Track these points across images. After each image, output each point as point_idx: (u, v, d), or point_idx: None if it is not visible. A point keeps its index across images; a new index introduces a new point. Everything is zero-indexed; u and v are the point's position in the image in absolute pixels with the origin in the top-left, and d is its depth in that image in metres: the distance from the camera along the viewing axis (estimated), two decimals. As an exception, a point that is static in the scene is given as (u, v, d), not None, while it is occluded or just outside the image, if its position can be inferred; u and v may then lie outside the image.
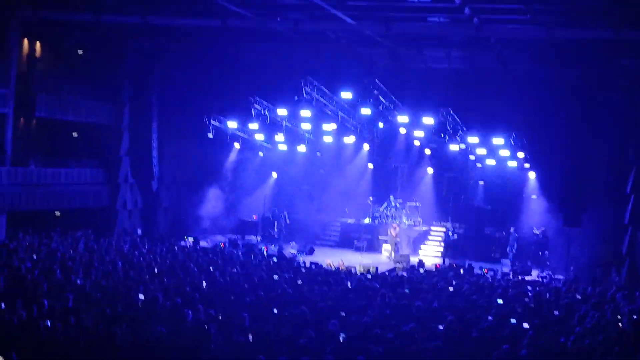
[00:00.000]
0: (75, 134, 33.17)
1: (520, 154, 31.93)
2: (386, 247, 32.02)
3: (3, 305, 14.91)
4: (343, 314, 15.65)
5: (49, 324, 13.44)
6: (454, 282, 21.80)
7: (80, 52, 32.29)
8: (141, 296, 16.40)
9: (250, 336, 13.39)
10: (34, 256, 21.99)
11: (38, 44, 31.07)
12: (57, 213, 31.41)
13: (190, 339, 13.42)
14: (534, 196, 33.53)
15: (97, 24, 27.95)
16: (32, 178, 29.38)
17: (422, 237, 33.80)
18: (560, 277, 27.21)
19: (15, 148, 29.08)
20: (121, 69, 32.52)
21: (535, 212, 32.93)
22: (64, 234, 27.83)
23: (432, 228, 34.39)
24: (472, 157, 34.35)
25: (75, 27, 29.53)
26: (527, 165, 32.94)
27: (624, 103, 27.40)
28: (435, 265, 28.66)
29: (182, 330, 13.85)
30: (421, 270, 26.59)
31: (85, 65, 31.95)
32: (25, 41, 30.22)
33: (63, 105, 30.79)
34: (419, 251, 32.27)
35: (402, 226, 32.98)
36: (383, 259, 30.91)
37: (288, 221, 33.84)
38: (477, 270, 27.03)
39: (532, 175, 33.49)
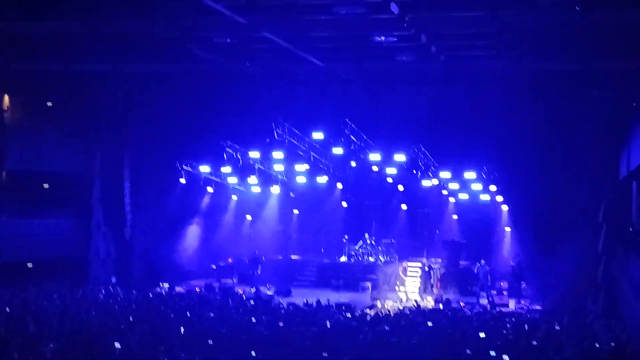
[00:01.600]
0: (46, 185, 32.90)
1: (493, 187, 32.21)
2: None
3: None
4: (325, 354, 15.54)
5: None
6: (432, 317, 21.76)
7: (49, 104, 32.13)
8: (117, 345, 16.18)
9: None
10: (7, 309, 21.64)
11: (6, 96, 30.98)
12: (30, 265, 31.00)
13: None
14: (507, 228, 33.78)
15: (65, 73, 27.92)
16: (4, 230, 29.09)
17: (400, 274, 33.68)
18: (538, 307, 27.26)
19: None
20: (91, 116, 32.31)
21: (510, 244, 33.17)
22: (36, 285, 27.43)
23: (408, 264, 34.36)
24: (445, 192, 34.60)
25: (43, 77, 29.44)
26: (499, 198, 33.20)
27: (595, 134, 27.73)
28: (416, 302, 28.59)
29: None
30: (401, 307, 26.57)
31: (54, 114, 31.80)
32: (-7, 93, 30.19)
33: (33, 155, 30.63)
34: (396, 287, 32.15)
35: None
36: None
37: (259, 268, 33.67)
38: (454, 305, 27.05)
39: (505, 207, 33.75)
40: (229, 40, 24.77)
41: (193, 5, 20.93)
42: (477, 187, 31.59)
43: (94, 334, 18.06)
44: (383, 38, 23.75)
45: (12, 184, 31.54)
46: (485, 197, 32.95)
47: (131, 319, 20.44)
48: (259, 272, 33.24)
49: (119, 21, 22.89)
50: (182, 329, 18.62)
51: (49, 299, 24.63)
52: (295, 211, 38.02)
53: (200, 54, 25.55)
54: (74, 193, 32.71)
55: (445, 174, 31.11)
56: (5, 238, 28.91)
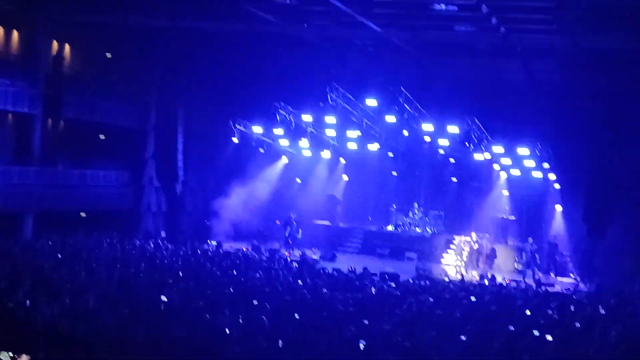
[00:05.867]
0: (102, 136, 33.42)
1: (546, 165, 31.72)
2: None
3: (28, 303, 15.04)
4: (366, 322, 15.59)
5: (71, 323, 13.54)
6: (476, 292, 21.67)
7: (108, 55, 32.51)
8: (163, 298, 16.45)
9: (280, 342, 13.35)
10: (59, 255, 22.14)
11: (67, 46, 31.39)
12: (83, 214, 31.60)
13: (209, 342, 13.44)
14: (558, 207, 33.31)
15: (125, 26, 28.17)
16: (59, 179, 29.68)
17: (446, 247, 33.53)
18: (584, 288, 26.94)
19: (43, 149, 29.40)
20: (148, 71, 32.60)
21: (560, 223, 32.72)
22: (88, 235, 27.98)
23: (456, 237, 34.16)
24: (496, 167, 34.17)
25: (103, 30, 29.72)
26: (552, 176, 32.71)
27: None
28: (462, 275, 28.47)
29: (202, 334, 13.87)
30: (446, 279, 26.47)
31: (112, 67, 32.19)
32: (54, 43, 30.57)
33: (90, 106, 31.07)
34: (442, 260, 32.03)
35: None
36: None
37: (300, 231, 33.74)
38: (499, 281, 26.88)
39: (557, 186, 33.25)
40: (288, 1, 24.68)
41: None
42: (529, 163, 31.10)
43: (141, 285, 18.42)
44: (444, 6, 23.45)
45: (68, 133, 32.06)
46: (537, 174, 32.46)
47: (180, 274, 20.71)
48: (300, 236, 33.25)
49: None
50: (231, 289, 18.77)
51: (99, 248, 25.14)
52: (345, 177, 37.99)
53: (258, 13, 25.48)
54: (128, 146, 33.23)
55: (497, 149, 30.68)
56: (59, 187, 29.47)
